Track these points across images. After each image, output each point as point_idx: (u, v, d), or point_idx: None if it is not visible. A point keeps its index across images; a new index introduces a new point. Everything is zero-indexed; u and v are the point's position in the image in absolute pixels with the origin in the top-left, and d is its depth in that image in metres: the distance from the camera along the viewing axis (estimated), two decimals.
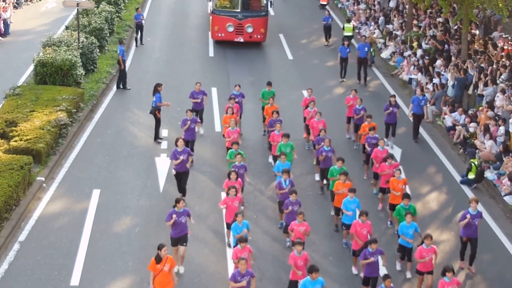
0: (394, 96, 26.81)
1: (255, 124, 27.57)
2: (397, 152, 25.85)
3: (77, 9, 33.13)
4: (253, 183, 23.40)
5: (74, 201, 21.91)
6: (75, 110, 27.18)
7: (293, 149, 22.80)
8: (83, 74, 30.58)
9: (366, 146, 23.80)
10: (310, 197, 22.90)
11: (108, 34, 36.76)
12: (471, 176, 24.02)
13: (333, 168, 21.21)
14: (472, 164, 24.03)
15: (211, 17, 38.76)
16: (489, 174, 24.19)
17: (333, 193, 20.77)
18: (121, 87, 31.63)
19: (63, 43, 31.39)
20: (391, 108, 26.13)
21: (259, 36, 38.24)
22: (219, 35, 38.00)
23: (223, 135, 24.40)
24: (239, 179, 19.98)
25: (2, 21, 38.57)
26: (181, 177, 21.77)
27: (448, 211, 22.65)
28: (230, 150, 22.13)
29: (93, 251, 19.30)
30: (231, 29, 37.64)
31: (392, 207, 20.50)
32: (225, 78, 33.76)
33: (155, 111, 25.79)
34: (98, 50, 33.61)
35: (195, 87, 26.75)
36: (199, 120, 24.87)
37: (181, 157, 21.17)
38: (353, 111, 26.34)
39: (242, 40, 37.89)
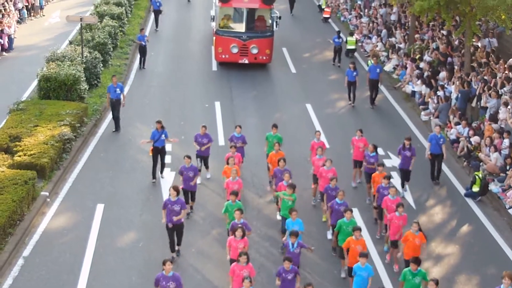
0: (409, 138, 23.84)
1: (257, 138, 27.51)
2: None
3: (81, 24, 33.27)
4: (256, 200, 23.38)
5: (78, 216, 21.91)
6: (79, 125, 27.23)
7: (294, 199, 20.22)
8: (87, 88, 30.66)
9: (375, 198, 21.26)
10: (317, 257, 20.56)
11: (111, 48, 36.85)
12: (476, 189, 23.96)
13: (342, 221, 18.83)
14: (476, 177, 23.97)
15: (214, 38, 37.82)
16: (494, 187, 24.13)
17: (342, 250, 18.55)
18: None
19: (66, 58, 31.47)
20: (403, 152, 23.58)
21: (264, 57, 37.08)
22: (223, 56, 36.91)
23: (225, 187, 21.35)
24: (245, 237, 17.70)
25: (6, 37, 38.69)
26: (174, 230, 19.52)
27: (452, 224, 22.58)
28: (227, 203, 19.45)
29: (97, 266, 19.27)
30: (235, 50, 36.55)
31: (407, 264, 17.79)
32: (228, 92, 33.78)
33: (150, 149, 24.16)
34: (101, 64, 33.70)
35: (200, 130, 24.20)
36: (198, 174, 22.25)
37: (175, 208, 19.05)
38: (364, 157, 23.37)
39: (246, 61, 36.86)
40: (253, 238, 20.12)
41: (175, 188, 19.09)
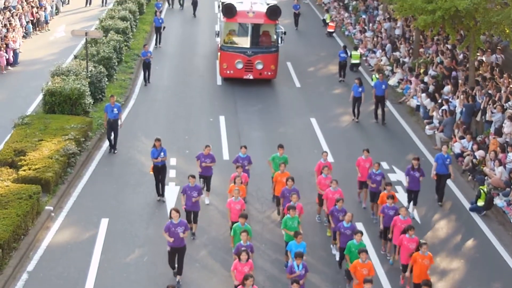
0: (417, 158, 23.25)
1: (262, 152, 27.51)
2: (404, 178, 25.67)
3: (86, 39, 33.35)
4: (261, 212, 23.37)
5: (82, 231, 21.89)
6: (83, 139, 27.24)
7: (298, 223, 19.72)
8: (92, 103, 30.72)
9: (381, 217, 20.74)
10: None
11: (116, 63, 36.94)
12: (481, 203, 23.92)
13: (351, 243, 18.53)
14: (481, 191, 23.93)
15: (219, 53, 37.66)
16: (499, 201, 24.08)
17: (349, 273, 18.25)
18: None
19: (71, 72, 31.55)
20: (412, 173, 22.95)
21: (269, 73, 36.82)
22: (228, 72, 36.66)
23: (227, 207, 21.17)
24: (250, 260, 17.44)
25: (11, 51, 38.82)
26: (176, 253, 19.14)
27: (457, 238, 22.52)
28: (235, 225, 19.18)
29: (101, 280, 19.23)
30: (240, 66, 36.30)
31: (417, 286, 17.95)
32: (232, 106, 33.81)
33: (151, 168, 23.91)
34: (106, 79, 33.78)
35: (204, 150, 23.54)
36: (202, 193, 21.81)
37: (178, 231, 18.58)
38: (368, 176, 22.95)
39: (251, 77, 36.60)
40: (257, 250, 20.07)
41: (177, 210, 18.71)
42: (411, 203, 23.49)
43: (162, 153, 23.44)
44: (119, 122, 27.63)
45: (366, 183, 23.20)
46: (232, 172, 22.82)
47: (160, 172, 23.70)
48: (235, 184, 21.40)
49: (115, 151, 27.68)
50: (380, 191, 22.18)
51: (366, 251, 17.72)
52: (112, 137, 27.57)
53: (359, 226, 21.88)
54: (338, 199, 20.33)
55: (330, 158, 26.72)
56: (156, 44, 44.15)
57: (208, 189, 23.94)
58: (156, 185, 23.93)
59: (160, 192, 24.00)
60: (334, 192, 21.17)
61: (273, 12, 36.48)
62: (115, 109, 27.30)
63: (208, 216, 23.04)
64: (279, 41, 37.10)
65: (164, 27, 44.37)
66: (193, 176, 21.21)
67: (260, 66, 36.46)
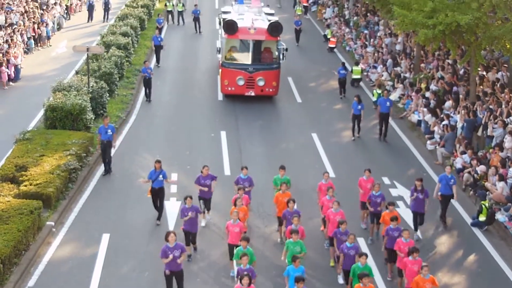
0: (421, 179, 22.79)
1: (263, 168, 27.52)
2: (405, 193, 25.72)
3: (87, 54, 33.46)
4: (262, 229, 23.33)
5: (83, 246, 21.86)
6: (84, 155, 27.25)
7: (302, 250, 19.22)
8: (93, 118, 30.75)
9: (385, 240, 20.32)
10: None
11: (117, 78, 37.01)
12: (482, 218, 23.88)
13: (356, 266, 18.11)
14: (483, 206, 23.91)
15: (220, 70, 37.53)
16: (500, 216, 24.03)
17: None
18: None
19: (73, 87, 31.62)
20: (415, 194, 22.45)
21: (271, 90, 36.64)
22: (229, 89, 36.47)
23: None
24: (252, 285, 17.00)
25: (12, 67, 38.92)
26: (173, 276, 18.63)
27: (459, 254, 22.46)
28: (237, 249, 18.75)
29: None
30: (241, 82, 36.10)
31: None
32: (233, 121, 33.85)
33: (149, 190, 23.34)
34: (107, 94, 33.81)
35: (202, 171, 22.93)
36: (201, 211, 21.86)
37: (171, 256, 18.19)
38: (368, 197, 22.37)
39: (253, 94, 36.43)
40: (259, 268, 20.01)
41: (173, 233, 18.34)
42: (418, 227, 23.01)
43: (161, 176, 23.00)
44: (113, 144, 27.10)
45: (368, 204, 22.53)
46: (232, 188, 22.72)
47: (158, 195, 23.24)
48: (236, 206, 20.83)
49: (110, 173, 27.12)
50: (380, 212, 21.82)
51: (368, 275, 17.18)
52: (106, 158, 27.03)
53: (363, 247, 21.72)
54: (341, 222, 19.78)
55: (331, 173, 26.76)
56: (156, 62, 43.87)
57: (208, 210, 23.40)
58: (154, 208, 23.54)
59: (157, 219, 23.46)
60: (336, 213, 20.63)
61: (275, 29, 36.38)
62: (109, 130, 26.71)
63: (209, 237, 22.70)
64: (281, 58, 36.95)
65: (163, 46, 43.90)
66: (190, 197, 20.79)
67: (261, 83, 36.27)
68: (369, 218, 22.78)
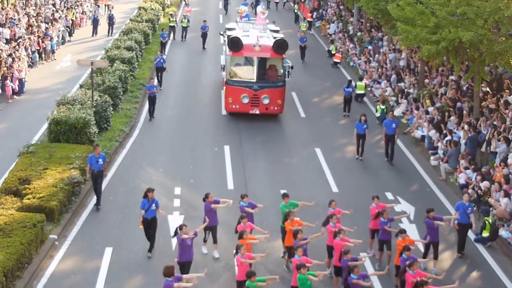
0: (432, 210, 21.70)
1: (266, 182, 27.50)
2: (410, 209, 25.65)
3: (91, 68, 33.51)
4: (265, 244, 23.25)
5: (86, 259, 21.84)
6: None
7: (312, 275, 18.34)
8: (97, 132, 30.81)
9: (400, 269, 19.54)
10: None
11: (121, 92, 37.07)
12: (485, 234, 23.85)
13: None
14: (486, 222, 23.88)
15: (224, 87, 37.17)
16: (504, 232, 23.99)
17: None
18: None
19: (77, 101, 31.69)
20: (429, 221, 21.53)
21: (276, 108, 36.02)
22: (234, 106, 35.87)
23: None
24: None
25: (16, 80, 39.02)
26: None
27: (462, 270, 22.39)
28: (247, 283, 17.82)
29: None
30: (246, 100, 35.54)
31: None
32: (237, 136, 33.86)
33: (141, 221, 22.09)
34: (111, 108, 33.88)
35: (208, 200, 21.84)
36: (196, 235, 20.12)
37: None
38: (378, 225, 21.76)
39: (258, 112, 35.81)
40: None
41: (171, 267, 17.45)
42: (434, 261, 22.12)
43: (153, 205, 21.81)
44: (105, 173, 25.76)
45: (377, 231, 21.86)
46: (236, 203, 22.51)
47: (150, 225, 22.05)
48: (242, 239, 19.70)
49: (99, 206, 25.40)
50: (389, 239, 21.41)
51: None
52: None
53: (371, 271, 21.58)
54: (347, 251, 19.10)
55: (334, 189, 26.77)
56: (160, 86, 41.50)
57: (215, 241, 22.19)
58: (147, 239, 22.35)
59: (148, 251, 22.30)
60: (341, 242, 19.93)
61: (280, 46, 35.95)
62: (100, 160, 25.14)
63: (213, 267, 21.80)
64: (286, 76, 36.51)
65: (165, 68, 41.82)
66: (186, 226, 19.87)
67: (266, 101, 35.76)
68: (377, 244, 22.13)
